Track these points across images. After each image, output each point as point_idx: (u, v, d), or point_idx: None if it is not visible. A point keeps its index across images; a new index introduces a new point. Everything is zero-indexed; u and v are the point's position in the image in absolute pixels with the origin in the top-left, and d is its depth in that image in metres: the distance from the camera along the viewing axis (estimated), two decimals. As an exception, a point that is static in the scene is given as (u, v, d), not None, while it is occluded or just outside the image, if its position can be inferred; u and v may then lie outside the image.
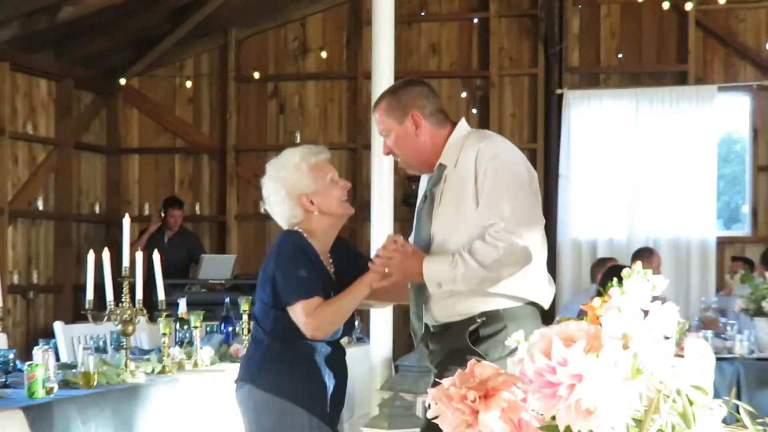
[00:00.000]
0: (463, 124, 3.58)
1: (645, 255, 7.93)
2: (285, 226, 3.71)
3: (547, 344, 1.43)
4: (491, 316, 3.36)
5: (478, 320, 3.37)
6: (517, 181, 3.38)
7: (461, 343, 3.37)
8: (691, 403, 1.45)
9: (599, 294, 1.56)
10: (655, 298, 1.52)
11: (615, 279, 1.53)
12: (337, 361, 3.71)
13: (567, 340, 1.43)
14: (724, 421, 1.50)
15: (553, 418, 1.42)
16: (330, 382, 3.66)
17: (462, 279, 3.30)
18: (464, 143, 3.47)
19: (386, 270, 3.46)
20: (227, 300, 5.84)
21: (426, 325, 3.55)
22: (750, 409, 1.51)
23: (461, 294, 3.38)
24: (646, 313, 1.49)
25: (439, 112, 3.57)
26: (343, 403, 3.79)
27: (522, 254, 3.28)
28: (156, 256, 4.98)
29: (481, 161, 3.37)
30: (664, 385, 1.44)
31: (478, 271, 3.27)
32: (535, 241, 3.34)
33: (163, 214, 10.04)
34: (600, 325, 1.49)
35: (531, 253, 3.30)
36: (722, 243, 9.83)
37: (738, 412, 1.51)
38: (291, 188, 3.65)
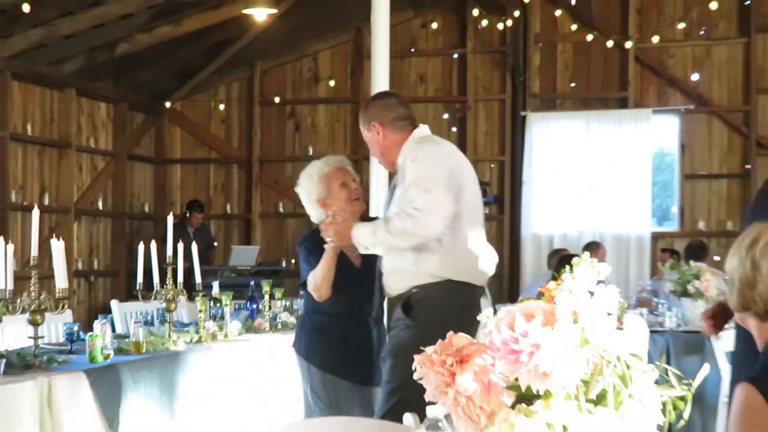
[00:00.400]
0: (420, 130, 3.49)
1: (592, 247, 7.90)
2: (317, 223, 3.76)
3: (512, 319, 1.43)
4: (421, 288, 3.35)
5: (414, 291, 3.36)
6: (431, 178, 3.28)
7: (400, 312, 3.39)
8: (628, 367, 1.45)
9: (554, 278, 1.56)
10: (599, 282, 1.52)
11: (567, 266, 1.53)
12: (356, 329, 3.71)
13: (528, 316, 1.43)
14: (656, 382, 1.50)
15: (516, 379, 1.42)
16: (348, 347, 3.68)
17: (378, 243, 3.34)
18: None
19: (328, 239, 3.51)
20: (252, 283, 5.82)
21: None
22: (677, 372, 1.51)
23: (403, 272, 3.37)
24: (592, 294, 1.49)
25: (401, 119, 3.47)
26: (369, 362, 3.70)
27: (421, 228, 3.23)
28: (194, 247, 4.97)
29: (405, 163, 3.34)
30: (606, 353, 1.44)
31: (386, 237, 3.27)
32: (438, 224, 3.26)
33: (188, 214, 10.04)
34: (555, 303, 1.48)
35: (431, 229, 3.24)
36: (655, 237, 9.84)
37: (667, 375, 1.50)
38: (309, 194, 3.75)
